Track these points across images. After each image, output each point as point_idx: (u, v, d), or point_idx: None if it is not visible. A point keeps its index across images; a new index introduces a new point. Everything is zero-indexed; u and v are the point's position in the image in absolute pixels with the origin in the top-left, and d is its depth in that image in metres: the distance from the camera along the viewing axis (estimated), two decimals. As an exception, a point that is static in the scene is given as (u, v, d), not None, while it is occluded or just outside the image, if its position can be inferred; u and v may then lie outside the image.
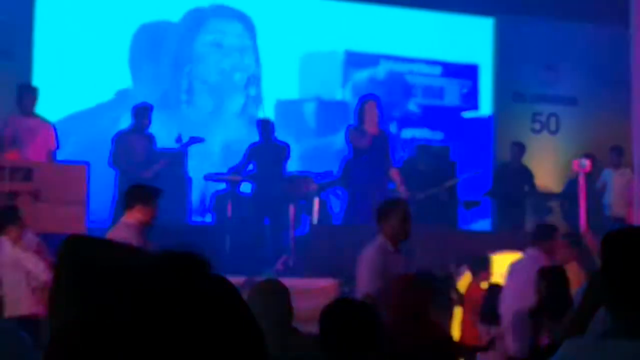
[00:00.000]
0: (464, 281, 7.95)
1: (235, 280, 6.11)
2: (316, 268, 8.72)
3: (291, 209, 9.49)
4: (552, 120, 12.95)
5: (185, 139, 9.85)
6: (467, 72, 12.76)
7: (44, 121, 9.37)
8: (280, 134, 10.34)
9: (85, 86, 10.83)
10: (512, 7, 12.42)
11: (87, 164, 8.80)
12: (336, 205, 10.31)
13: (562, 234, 7.57)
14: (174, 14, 11.61)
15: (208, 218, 10.27)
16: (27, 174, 8.28)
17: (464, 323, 7.38)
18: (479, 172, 11.28)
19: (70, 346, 0.95)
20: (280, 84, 11.72)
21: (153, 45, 11.46)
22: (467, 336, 7.19)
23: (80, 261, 1.48)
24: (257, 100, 11.32)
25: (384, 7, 12.22)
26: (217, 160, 10.99)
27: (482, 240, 9.23)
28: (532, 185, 11.32)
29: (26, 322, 5.96)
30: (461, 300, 7.50)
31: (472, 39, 12.71)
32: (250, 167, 10.14)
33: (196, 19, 11.75)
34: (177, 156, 9.84)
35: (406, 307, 4.43)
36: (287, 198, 9.60)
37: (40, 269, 6.73)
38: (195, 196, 10.34)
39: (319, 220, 9.67)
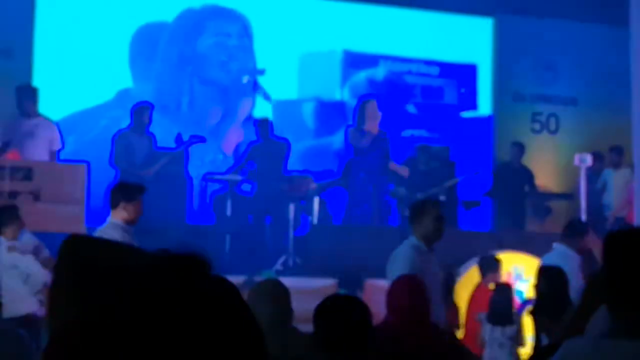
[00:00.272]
0: (465, 281, 7.94)
1: (235, 280, 6.12)
2: (316, 268, 8.73)
3: (291, 208, 9.49)
4: (552, 120, 12.94)
5: (185, 139, 9.85)
6: (466, 72, 12.76)
7: (47, 121, 9.37)
8: (279, 134, 10.32)
9: (86, 86, 10.83)
10: (511, 7, 12.42)
11: (87, 163, 8.80)
12: (336, 205, 10.30)
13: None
14: (175, 13, 11.61)
15: (208, 218, 10.26)
16: (27, 173, 8.28)
17: (468, 324, 7.35)
18: (479, 172, 11.28)
19: (70, 346, 0.95)
20: (279, 84, 11.72)
21: (153, 44, 11.46)
22: (471, 337, 7.16)
23: (80, 261, 1.47)
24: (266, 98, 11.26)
25: (383, 7, 12.22)
26: (221, 160, 11.00)
27: (482, 241, 9.23)
28: (532, 186, 11.32)
29: (25, 323, 5.97)
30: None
31: (472, 39, 12.70)
32: (249, 166, 10.13)
33: (196, 20, 11.74)
34: (177, 156, 9.83)
35: (407, 307, 4.42)
36: (287, 198, 9.60)
37: (34, 270, 6.72)
38: (195, 196, 10.33)
39: (319, 220, 9.67)
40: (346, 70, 12.21)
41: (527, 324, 6.51)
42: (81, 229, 7.94)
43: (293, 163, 10.40)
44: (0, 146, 8.81)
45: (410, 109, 12.46)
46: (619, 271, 2.21)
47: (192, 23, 11.74)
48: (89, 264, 1.43)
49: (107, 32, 11.01)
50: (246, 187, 10.29)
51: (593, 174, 10.84)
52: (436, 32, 12.45)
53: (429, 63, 12.55)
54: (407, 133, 12.26)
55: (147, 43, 11.38)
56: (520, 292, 7.92)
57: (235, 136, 11.40)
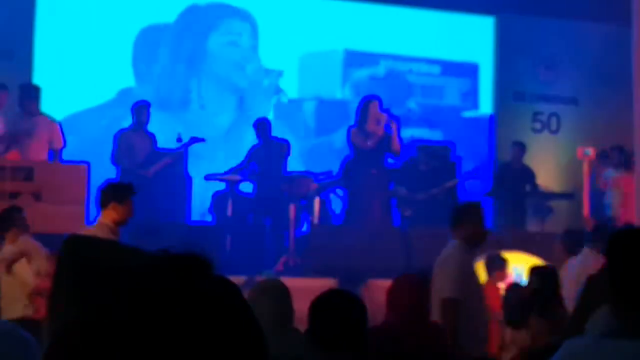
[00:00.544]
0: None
1: (235, 280, 6.09)
2: (316, 268, 8.72)
3: (291, 208, 9.48)
4: (553, 119, 12.93)
5: (185, 139, 9.84)
6: (467, 71, 12.75)
7: (48, 119, 9.36)
8: (280, 134, 10.32)
9: (87, 85, 10.83)
10: (512, 6, 12.41)
11: (88, 163, 8.81)
12: (336, 205, 10.30)
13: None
14: (177, 13, 11.61)
15: (208, 218, 10.26)
16: (28, 173, 8.28)
17: None
18: (480, 172, 11.27)
19: (70, 346, 0.95)
20: (280, 83, 11.71)
21: (156, 44, 11.46)
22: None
23: (80, 261, 1.47)
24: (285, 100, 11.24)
25: (384, 6, 12.21)
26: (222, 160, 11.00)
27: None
28: (534, 185, 11.30)
29: (23, 324, 5.95)
30: None
31: (473, 38, 12.69)
32: (250, 167, 10.13)
33: (205, 16, 11.72)
34: (177, 156, 9.83)
35: (407, 307, 4.42)
36: (287, 198, 9.60)
37: (29, 274, 6.69)
38: (195, 196, 10.33)
39: (319, 220, 9.66)
40: (347, 69, 12.21)
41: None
42: (82, 229, 7.94)
43: (294, 163, 10.40)
44: (3, 147, 8.82)
45: (411, 107, 12.45)
46: (620, 271, 2.21)
47: (201, 20, 11.71)
48: (89, 264, 1.43)
49: (107, 32, 11.01)
50: (247, 187, 10.28)
51: (597, 175, 10.83)
52: (437, 31, 12.45)
53: (430, 62, 12.55)
54: (407, 132, 12.26)
55: (150, 42, 11.38)
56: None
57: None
